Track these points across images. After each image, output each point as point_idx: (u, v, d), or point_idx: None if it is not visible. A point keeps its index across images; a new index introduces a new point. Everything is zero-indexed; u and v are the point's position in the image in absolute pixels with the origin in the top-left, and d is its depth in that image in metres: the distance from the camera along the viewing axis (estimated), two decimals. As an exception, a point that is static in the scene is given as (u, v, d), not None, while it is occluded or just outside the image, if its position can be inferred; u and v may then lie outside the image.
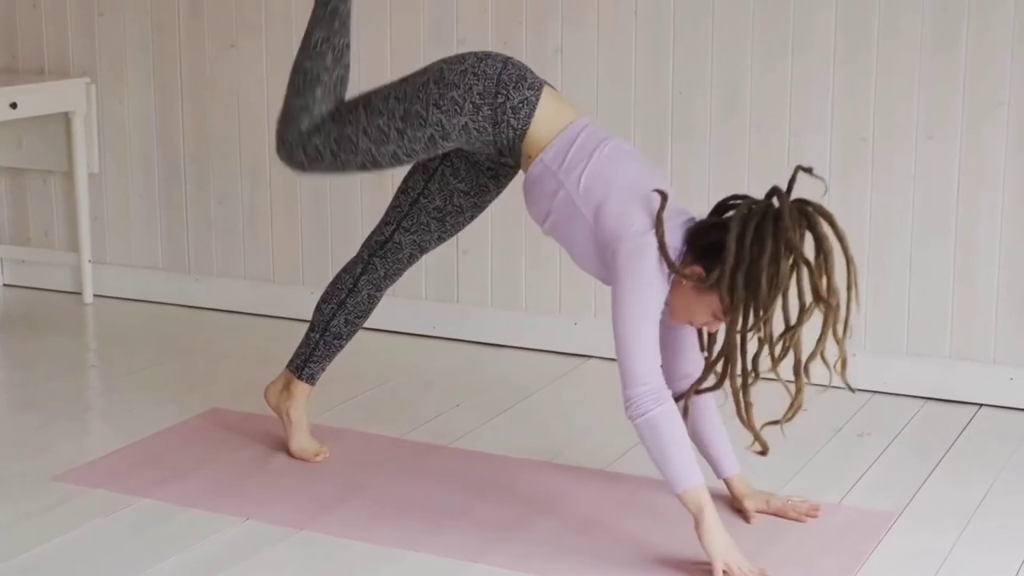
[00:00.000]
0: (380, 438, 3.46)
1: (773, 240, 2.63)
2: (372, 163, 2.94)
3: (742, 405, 2.77)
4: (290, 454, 3.29)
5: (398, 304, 4.35)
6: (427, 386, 3.85)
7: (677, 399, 2.83)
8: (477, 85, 2.85)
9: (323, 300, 3.22)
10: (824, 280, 2.67)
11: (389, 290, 4.41)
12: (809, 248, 2.68)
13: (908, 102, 3.66)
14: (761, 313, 2.65)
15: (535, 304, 4.14)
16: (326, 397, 3.55)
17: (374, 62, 4.30)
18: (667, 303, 2.77)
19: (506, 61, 2.91)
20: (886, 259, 3.73)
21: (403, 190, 3.14)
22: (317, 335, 3.21)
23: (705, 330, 2.88)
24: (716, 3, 3.82)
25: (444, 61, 2.93)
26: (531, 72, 2.92)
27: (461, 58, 2.92)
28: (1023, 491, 3.13)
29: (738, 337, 2.72)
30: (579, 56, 4.02)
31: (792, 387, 2.73)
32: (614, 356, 4.11)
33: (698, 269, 2.71)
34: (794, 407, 2.75)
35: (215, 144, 4.58)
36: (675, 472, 2.68)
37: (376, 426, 3.53)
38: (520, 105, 2.85)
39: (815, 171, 2.78)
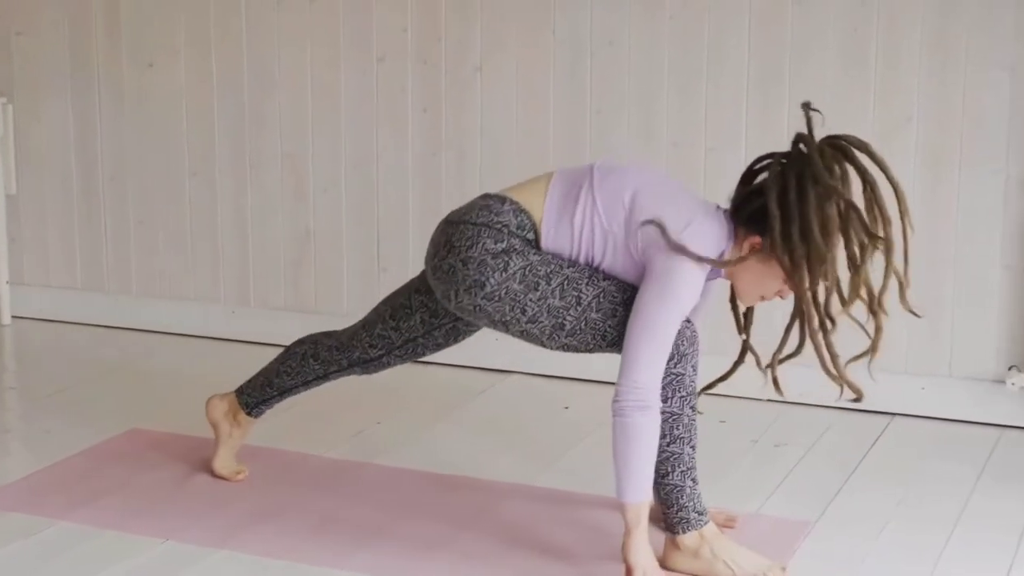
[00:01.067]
0: (301, 456, 3.45)
1: (813, 187, 2.63)
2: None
3: (827, 358, 2.73)
4: (211, 471, 3.28)
5: (320, 320, 4.34)
6: (348, 404, 3.84)
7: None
8: (485, 241, 2.75)
9: (286, 373, 3.17)
10: (876, 211, 2.67)
11: (310, 306, 4.43)
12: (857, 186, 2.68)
13: (820, 118, 3.71)
14: (823, 263, 2.64)
15: (456, 321, 4.15)
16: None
17: (294, 82, 4.30)
18: (717, 287, 2.81)
19: (451, 222, 2.82)
20: (801, 273, 3.78)
21: (394, 327, 3.02)
22: (275, 392, 3.21)
23: (741, 310, 2.89)
24: (632, 23, 3.87)
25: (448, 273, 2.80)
26: (473, 203, 2.84)
27: (447, 252, 2.79)
28: (936, 498, 3.19)
29: (809, 293, 2.69)
30: (498, 75, 4.05)
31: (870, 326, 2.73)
32: (535, 372, 4.15)
33: (755, 240, 2.70)
34: (876, 346, 2.74)
35: (133, 163, 4.56)
36: (630, 483, 2.66)
37: (297, 444, 3.53)
38: (515, 217, 2.78)
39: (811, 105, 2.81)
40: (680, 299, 2.67)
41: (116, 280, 4.65)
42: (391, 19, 4.14)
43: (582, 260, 2.79)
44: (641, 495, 2.68)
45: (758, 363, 2.90)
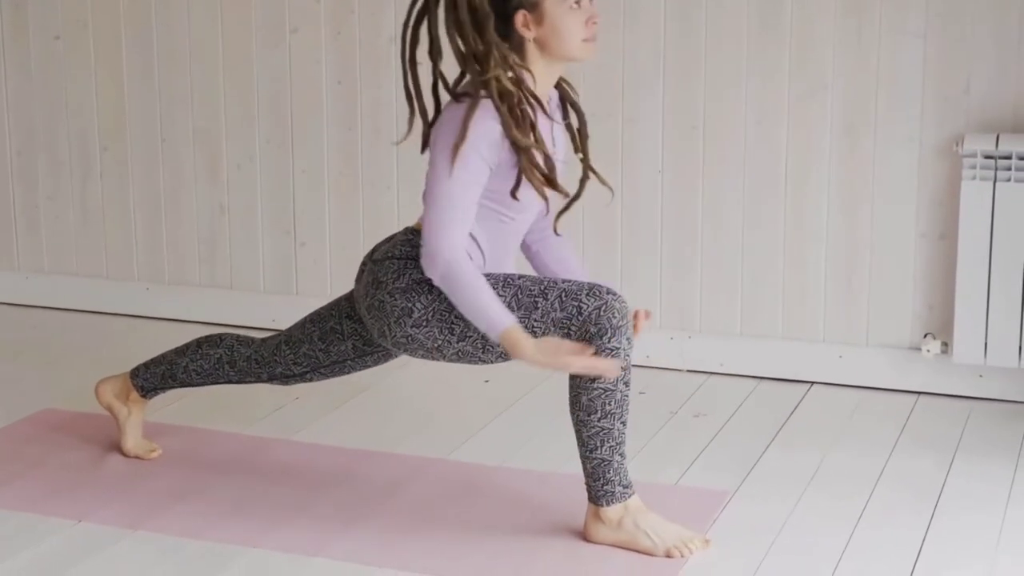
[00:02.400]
0: (218, 434, 3.41)
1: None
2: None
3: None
4: (123, 453, 3.23)
5: (236, 297, 4.30)
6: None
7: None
8: (411, 272, 2.75)
9: (196, 372, 3.12)
10: None
11: (226, 282, 4.37)
12: None
13: (736, 88, 3.73)
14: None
15: (375, 295, 4.12)
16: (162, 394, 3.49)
17: (206, 56, 4.23)
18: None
19: (377, 261, 2.81)
20: (719, 243, 3.79)
21: (323, 350, 2.98)
22: (176, 385, 3.16)
23: (575, 127, 2.89)
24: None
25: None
26: (394, 239, 2.84)
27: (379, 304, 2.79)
28: (854, 464, 3.21)
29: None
30: (413, 45, 4.00)
31: None
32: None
33: (522, 16, 2.69)
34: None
35: (42, 138, 4.47)
36: (481, 320, 2.65)
37: (214, 422, 3.49)
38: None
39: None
40: (451, 147, 2.65)
41: (27, 257, 4.56)
42: (304, -10, 4.09)
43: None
44: (500, 322, 2.64)
45: (602, 182, 2.87)
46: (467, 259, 2.68)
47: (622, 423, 2.74)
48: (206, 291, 4.35)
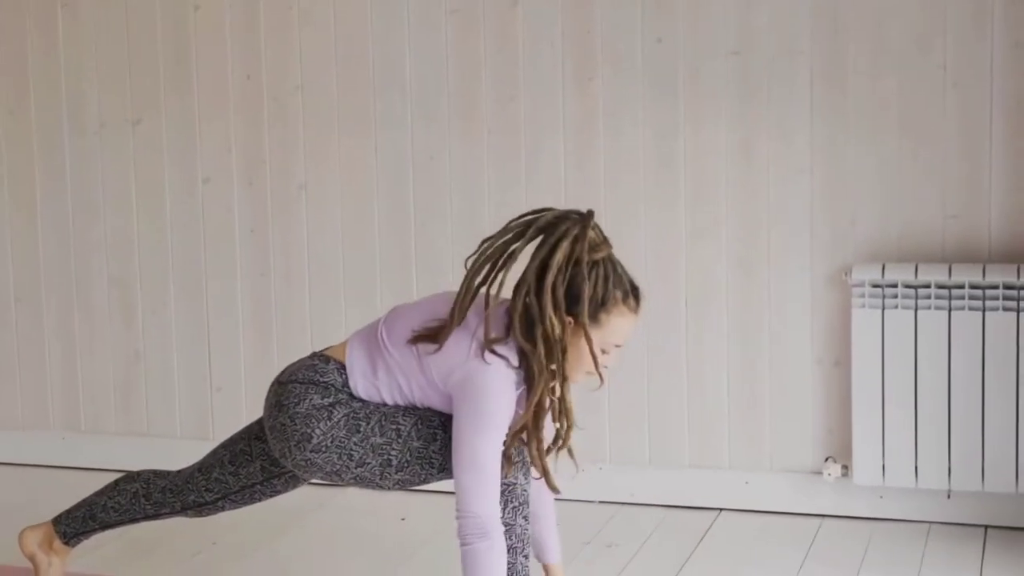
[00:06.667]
0: (136, 583, 3.42)
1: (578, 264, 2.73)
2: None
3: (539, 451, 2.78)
4: (42, 604, 3.23)
5: (152, 443, 4.32)
6: (181, 525, 3.80)
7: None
8: (312, 397, 2.81)
9: (113, 509, 3.14)
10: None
11: (142, 429, 4.37)
12: None
13: (635, 223, 3.86)
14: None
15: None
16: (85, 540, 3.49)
17: (120, 205, 4.30)
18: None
19: (281, 383, 2.86)
20: (625, 376, 3.89)
21: (232, 473, 3.03)
22: (97, 526, 3.18)
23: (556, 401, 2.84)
24: (453, 139, 3.98)
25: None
26: (300, 362, 2.89)
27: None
28: (760, 589, 3.30)
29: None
30: (323, 192, 4.11)
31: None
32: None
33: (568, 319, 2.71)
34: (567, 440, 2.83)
35: (-44, 292, 4.50)
36: None
37: (134, 571, 3.49)
38: (339, 376, 2.83)
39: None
40: (490, 415, 2.69)
41: (-60, 410, 4.56)
42: (215, 140, 4.19)
43: (403, 405, 2.84)
44: None
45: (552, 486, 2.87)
46: (501, 534, 2.68)
47: (524, 557, 2.79)
48: (122, 439, 4.37)
